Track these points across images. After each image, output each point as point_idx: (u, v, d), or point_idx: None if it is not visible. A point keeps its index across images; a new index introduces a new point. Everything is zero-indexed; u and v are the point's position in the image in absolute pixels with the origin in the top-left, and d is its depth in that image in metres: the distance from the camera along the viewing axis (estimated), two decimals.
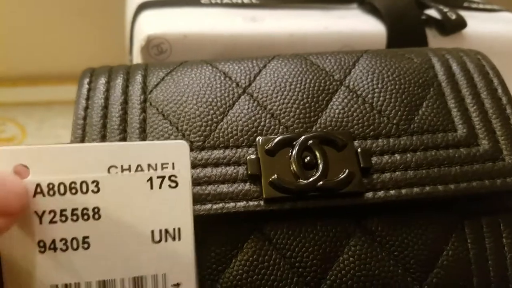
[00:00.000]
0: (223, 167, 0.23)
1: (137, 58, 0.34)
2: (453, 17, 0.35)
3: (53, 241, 0.18)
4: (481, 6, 0.45)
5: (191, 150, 0.24)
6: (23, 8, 0.73)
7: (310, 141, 0.24)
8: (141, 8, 0.37)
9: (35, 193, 0.18)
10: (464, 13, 0.39)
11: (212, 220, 0.23)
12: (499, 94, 0.26)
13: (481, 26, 0.38)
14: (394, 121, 0.25)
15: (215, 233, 0.23)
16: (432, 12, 0.38)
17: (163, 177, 0.19)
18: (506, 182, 0.24)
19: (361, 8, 0.39)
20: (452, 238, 0.24)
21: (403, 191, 0.23)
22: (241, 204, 0.23)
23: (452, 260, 0.23)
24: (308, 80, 0.26)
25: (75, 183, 0.18)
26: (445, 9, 0.36)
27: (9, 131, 0.67)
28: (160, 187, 0.19)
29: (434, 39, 0.36)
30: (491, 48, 0.37)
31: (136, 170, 0.19)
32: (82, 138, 0.24)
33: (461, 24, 0.35)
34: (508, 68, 0.38)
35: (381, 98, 0.26)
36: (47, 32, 0.75)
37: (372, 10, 0.38)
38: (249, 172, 0.23)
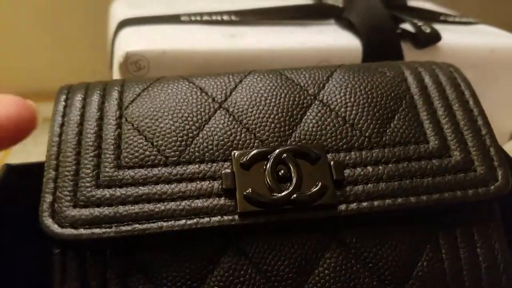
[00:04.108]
0: (198, 181, 0.23)
1: (116, 74, 0.34)
2: (428, 30, 0.36)
3: None
4: (457, 19, 0.46)
5: (166, 165, 0.24)
6: (7, 24, 0.73)
7: (284, 155, 0.24)
8: (121, 25, 0.38)
9: None
10: (440, 26, 0.40)
11: (187, 236, 0.23)
12: (471, 106, 0.27)
13: (456, 39, 0.39)
14: (367, 134, 0.25)
15: (190, 249, 0.23)
16: (407, 26, 0.38)
17: None
18: (477, 192, 0.24)
19: (338, 23, 0.40)
20: (427, 249, 0.24)
21: (376, 203, 0.23)
22: (216, 219, 0.23)
23: (427, 270, 0.23)
24: (283, 95, 0.27)
25: None
26: (420, 23, 0.37)
27: None
28: None
29: (410, 52, 0.37)
30: (466, 60, 0.38)
31: None
32: (57, 155, 0.24)
33: (435, 37, 0.36)
34: (482, 79, 0.38)
35: (353, 112, 0.26)
36: (32, 50, 0.75)
37: (349, 25, 0.38)
38: (224, 187, 0.23)
